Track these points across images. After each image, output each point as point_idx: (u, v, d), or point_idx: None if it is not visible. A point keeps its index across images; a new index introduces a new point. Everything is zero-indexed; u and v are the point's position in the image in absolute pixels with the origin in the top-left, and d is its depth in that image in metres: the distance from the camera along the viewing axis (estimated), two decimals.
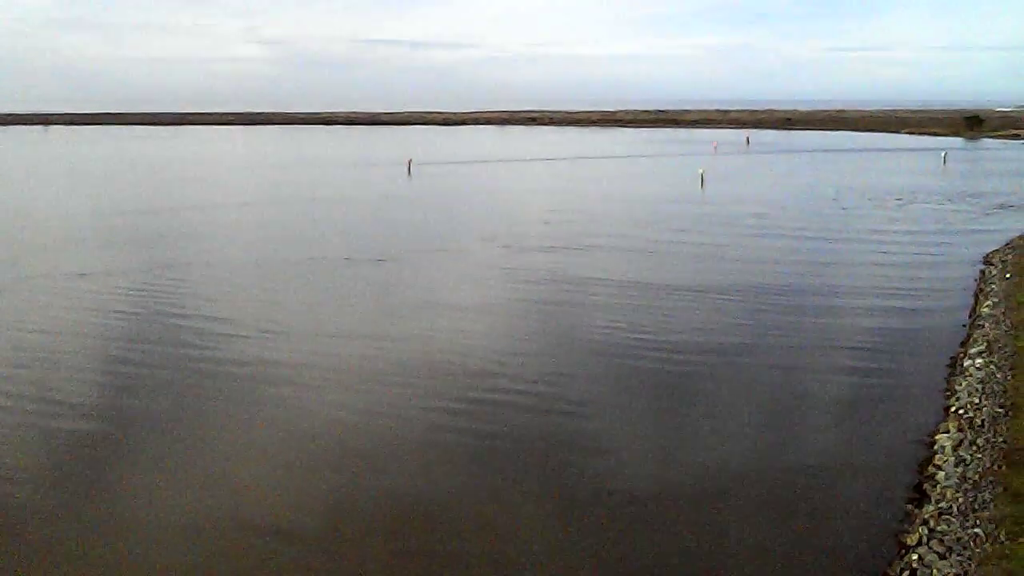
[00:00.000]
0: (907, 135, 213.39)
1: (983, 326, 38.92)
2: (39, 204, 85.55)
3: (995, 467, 23.52)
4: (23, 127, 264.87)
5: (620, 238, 61.75)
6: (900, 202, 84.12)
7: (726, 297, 44.38)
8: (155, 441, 26.89)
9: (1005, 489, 22.05)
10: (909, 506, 22.34)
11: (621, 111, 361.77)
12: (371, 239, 64.13)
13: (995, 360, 33.50)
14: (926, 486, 23.28)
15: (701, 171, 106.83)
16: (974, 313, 41.98)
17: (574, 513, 22.40)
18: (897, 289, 46.82)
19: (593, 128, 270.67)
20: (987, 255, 56.41)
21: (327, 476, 24.45)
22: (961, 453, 24.77)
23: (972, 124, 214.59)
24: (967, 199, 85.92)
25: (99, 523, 21.96)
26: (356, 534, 21.35)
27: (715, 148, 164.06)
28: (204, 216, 76.32)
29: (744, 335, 37.85)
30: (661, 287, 46.27)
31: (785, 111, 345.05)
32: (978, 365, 32.97)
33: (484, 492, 23.60)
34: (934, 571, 18.66)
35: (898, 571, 19.15)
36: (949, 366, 34.32)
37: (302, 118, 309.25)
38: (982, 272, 51.36)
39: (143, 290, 46.86)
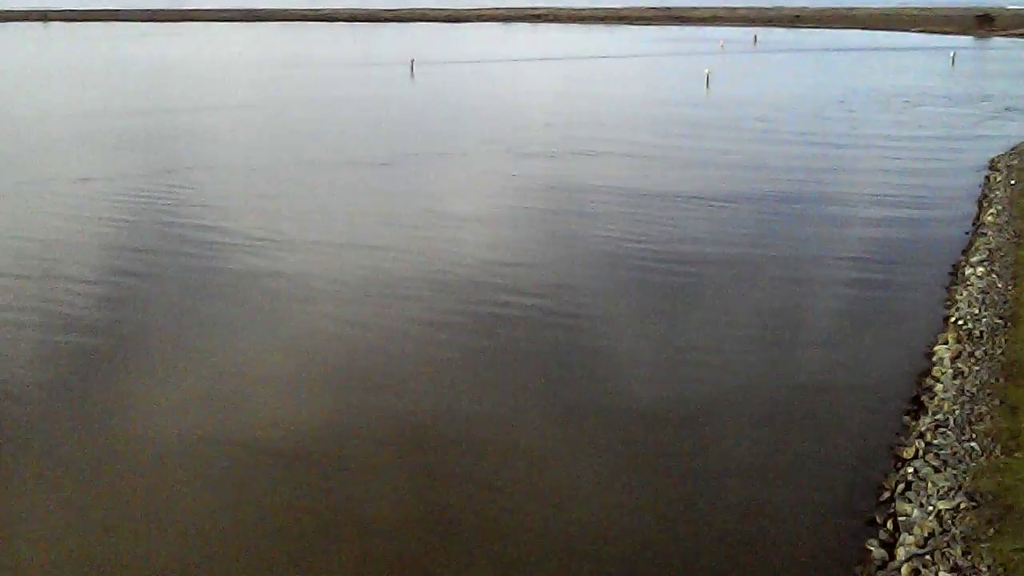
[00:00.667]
0: (917, 33, 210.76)
1: (986, 234, 38.80)
2: (40, 106, 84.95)
3: (993, 380, 23.64)
4: (22, 23, 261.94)
5: (623, 143, 61.29)
6: (907, 104, 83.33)
7: (728, 205, 44.09)
8: (154, 357, 26.93)
9: (1002, 402, 22.20)
10: (906, 418, 22.50)
11: (627, 8, 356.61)
12: (374, 142, 63.70)
13: (996, 269, 33.48)
14: (924, 398, 23.40)
15: (707, 71, 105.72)
16: (977, 221, 41.83)
17: (573, 427, 22.60)
18: (901, 197, 46.58)
19: (599, 26, 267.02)
20: (992, 160, 56.02)
21: (328, 394, 24.49)
22: (959, 365, 24.88)
23: (983, 22, 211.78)
24: (974, 102, 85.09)
25: (97, 440, 22.05)
26: (360, 454, 21.43)
27: (721, 46, 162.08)
28: (204, 118, 75.81)
29: (745, 244, 37.70)
30: (662, 195, 45.95)
31: (793, 8, 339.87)
32: (979, 274, 32.96)
33: (484, 408, 23.71)
34: (929, 485, 18.86)
35: (894, 484, 19.35)
36: (951, 274, 34.26)
37: (304, 14, 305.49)
38: (986, 178, 51.05)
39: (143, 196, 46.64)
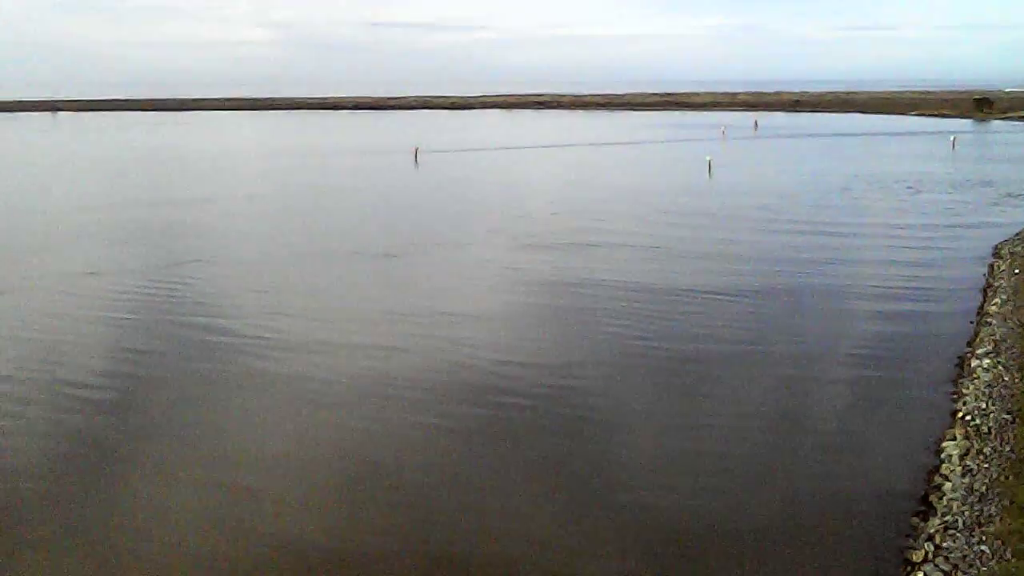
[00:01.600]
0: (916, 117, 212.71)
1: (991, 324, 38.78)
2: (48, 197, 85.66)
3: (1002, 478, 23.49)
4: (32, 113, 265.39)
5: (626, 235, 60.88)
6: (909, 191, 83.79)
7: (731, 300, 43.72)
8: (150, 467, 26.91)
9: (1012, 502, 22.02)
10: (915, 519, 22.28)
11: (629, 94, 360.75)
12: (378, 233, 64.09)
13: (1002, 361, 33.41)
14: (932, 497, 23.21)
15: (708, 159, 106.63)
16: (982, 311, 41.80)
17: (580, 525, 22.47)
18: (905, 288, 46.15)
19: (601, 112, 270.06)
20: (996, 247, 56.15)
21: (330, 508, 24.22)
22: (968, 463, 24.72)
23: (981, 105, 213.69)
24: (976, 187, 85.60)
25: (90, 553, 21.99)
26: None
27: (723, 133, 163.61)
28: (211, 210, 76.35)
29: (748, 341, 37.34)
30: (664, 290, 45.58)
31: (793, 93, 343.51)
32: (985, 366, 32.88)
33: (492, 520, 23.60)
34: None
35: None
36: (957, 366, 34.17)
37: (309, 103, 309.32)
38: (991, 267, 51.12)
39: (148, 293, 46.82)
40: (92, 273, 50.76)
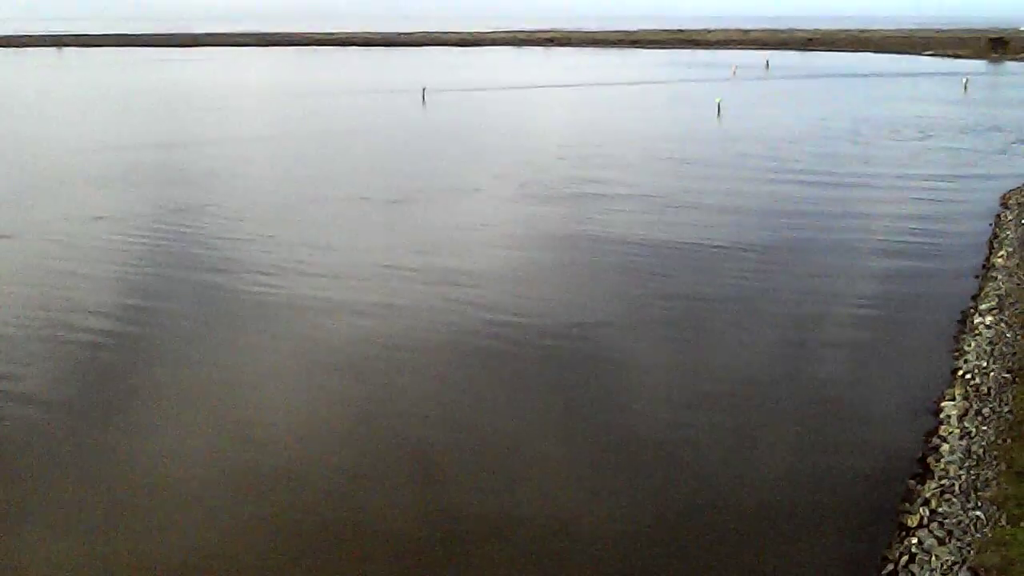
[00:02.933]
0: (929, 57, 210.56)
1: (996, 278, 38.71)
2: (53, 138, 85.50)
3: (999, 440, 23.60)
4: (36, 49, 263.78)
5: (632, 186, 59.50)
6: (919, 135, 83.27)
7: (734, 254, 43.43)
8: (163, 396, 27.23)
9: (1008, 466, 22.15)
10: (911, 482, 22.44)
11: (641, 31, 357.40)
12: (384, 177, 64.07)
13: (1005, 317, 33.41)
14: (930, 460, 23.35)
15: (718, 100, 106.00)
16: (987, 263, 41.69)
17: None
18: (911, 243, 45.86)
19: (612, 49, 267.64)
20: (1004, 196, 55.85)
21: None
22: (966, 424, 24.83)
23: (996, 46, 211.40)
24: (986, 133, 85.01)
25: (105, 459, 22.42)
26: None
27: (734, 73, 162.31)
28: (219, 152, 76.16)
29: (749, 298, 37.36)
30: (669, 244, 45.14)
31: (807, 31, 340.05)
32: (988, 323, 32.90)
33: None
34: (932, 558, 18.82)
35: (897, 555, 19.31)
36: (960, 322, 34.21)
37: (318, 39, 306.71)
38: (997, 216, 50.90)
39: (157, 236, 47.12)
40: (98, 218, 50.85)
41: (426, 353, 31.50)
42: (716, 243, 45.32)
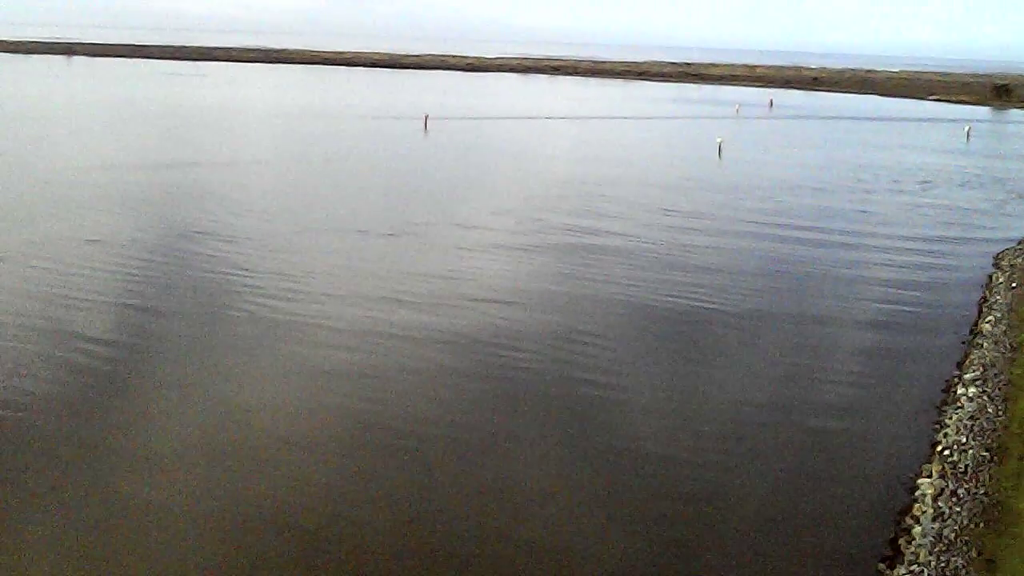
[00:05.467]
0: (933, 102, 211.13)
1: (982, 345, 38.80)
2: (56, 155, 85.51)
3: (973, 525, 23.62)
4: (46, 56, 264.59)
5: (625, 236, 58.25)
6: (920, 186, 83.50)
7: (718, 320, 42.50)
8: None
9: (979, 554, 22.18)
10: (881, 565, 22.46)
11: (647, 62, 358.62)
12: (382, 209, 64.55)
13: (988, 389, 33.48)
14: (901, 541, 23.36)
15: (719, 141, 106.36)
16: (975, 329, 41.74)
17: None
18: (901, 308, 45.40)
19: (617, 81, 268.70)
20: (997, 256, 55.91)
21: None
22: (940, 504, 24.85)
23: (1000, 93, 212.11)
24: (985, 186, 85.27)
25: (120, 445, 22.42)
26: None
27: (737, 111, 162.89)
28: (219, 176, 76.25)
29: (736, 364, 37.34)
30: (651, 307, 43.87)
31: (812, 70, 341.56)
32: (970, 395, 32.94)
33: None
34: None
35: None
36: (944, 391, 34.25)
37: (325, 57, 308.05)
38: (989, 278, 50.96)
39: (152, 262, 47.48)
40: (95, 241, 51.02)
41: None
42: (702, 307, 44.03)
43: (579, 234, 58.80)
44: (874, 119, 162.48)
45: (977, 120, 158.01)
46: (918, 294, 48.02)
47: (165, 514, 23.82)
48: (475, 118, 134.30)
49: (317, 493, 25.11)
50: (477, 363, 35.40)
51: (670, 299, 45.22)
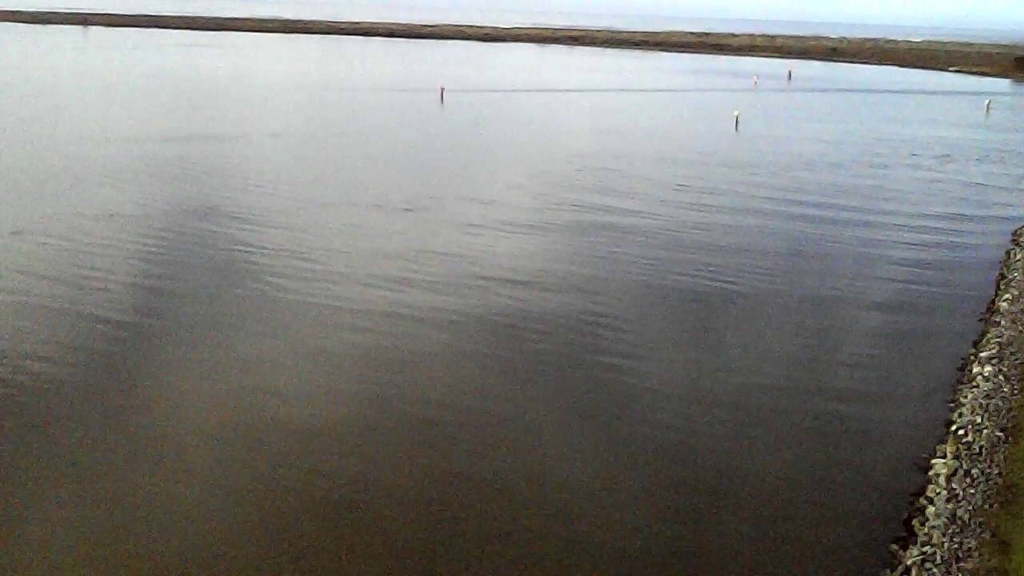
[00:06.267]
0: (953, 74, 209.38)
1: (999, 323, 38.62)
2: (75, 127, 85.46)
3: (986, 506, 23.59)
4: (62, 26, 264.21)
5: (640, 212, 58.13)
6: (937, 160, 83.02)
7: (733, 305, 41.85)
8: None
9: (993, 535, 22.16)
10: (894, 546, 22.45)
11: (664, 32, 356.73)
12: (398, 183, 64.37)
13: (1004, 368, 33.32)
14: (915, 522, 23.36)
15: (736, 113, 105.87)
16: (992, 307, 41.54)
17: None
18: (918, 289, 45.02)
19: (635, 51, 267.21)
20: (1015, 232, 55.57)
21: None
22: (954, 485, 24.82)
23: (1022, 65, 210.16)
24: (1005, 160, 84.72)
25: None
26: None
27: (755, 83, 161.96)
28: (235, 149, 76.33)
29: (748, 355, 36.87)
30: (665, 288, 43.49)
31: (832, 39, 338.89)
32: (986, 374, 32.81)
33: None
34: None
35: None
36: (960, 369, 34.18)
37: (341, 27, 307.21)
38: (1007, 254, 50.65)
39: (163, 241, 47.37)
40: (110, 215, 51.09)
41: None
42: (717, 287, 43.79)
43: (594, 211, 58.41)
44: (893, 91, 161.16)
45: (998, 93, 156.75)
46: (934, 272, 47.75)
47: (177, 499, 23.93)
48: (491, 90, 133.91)
49: (335, 478, 25.14)
50: (493, 345, 35.33)
51: (685, 278, 45.02)
